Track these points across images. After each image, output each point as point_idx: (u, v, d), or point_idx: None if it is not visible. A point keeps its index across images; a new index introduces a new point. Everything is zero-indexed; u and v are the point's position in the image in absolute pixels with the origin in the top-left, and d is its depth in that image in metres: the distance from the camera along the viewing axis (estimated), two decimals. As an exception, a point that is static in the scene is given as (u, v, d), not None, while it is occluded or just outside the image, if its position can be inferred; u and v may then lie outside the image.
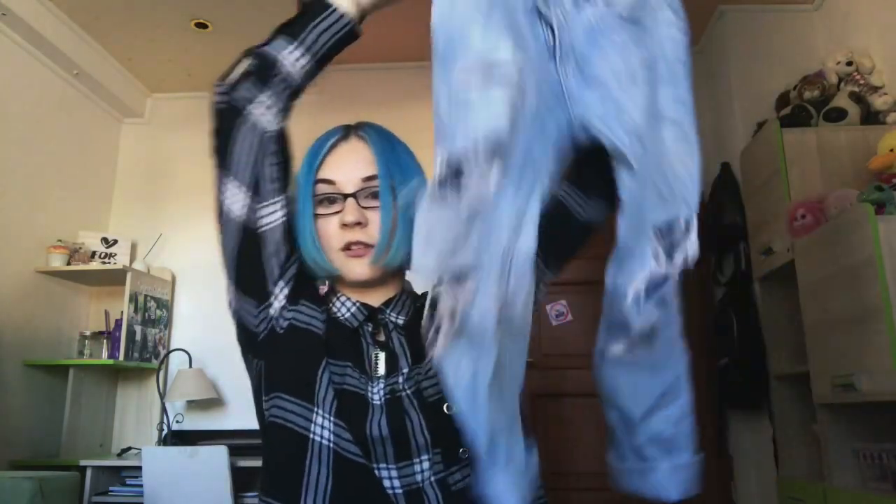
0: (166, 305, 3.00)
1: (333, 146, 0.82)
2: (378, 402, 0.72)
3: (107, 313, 2.84)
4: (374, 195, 0.79)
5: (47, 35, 2.59)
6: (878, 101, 2.22)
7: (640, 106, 0.68)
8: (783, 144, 2.16)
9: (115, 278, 2.78)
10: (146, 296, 2.85)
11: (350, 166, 0.80)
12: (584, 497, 2.44)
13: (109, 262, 2.83)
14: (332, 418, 0.70)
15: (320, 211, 0.80)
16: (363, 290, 0.83)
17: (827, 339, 1.84)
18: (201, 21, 2.67)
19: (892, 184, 1.76)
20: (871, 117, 2.21)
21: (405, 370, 0.77)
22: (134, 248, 3.05)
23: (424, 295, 0.86)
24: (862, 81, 2.28)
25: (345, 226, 0.78)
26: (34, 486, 1.67)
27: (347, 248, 0.79)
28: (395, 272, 0.83)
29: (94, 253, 2.83)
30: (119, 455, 2.66)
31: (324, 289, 0.86)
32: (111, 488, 2.51)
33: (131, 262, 2.93)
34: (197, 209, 3.10)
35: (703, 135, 3.03)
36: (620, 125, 0.68)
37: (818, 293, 1.89)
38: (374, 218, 0.78)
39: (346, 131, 0.84)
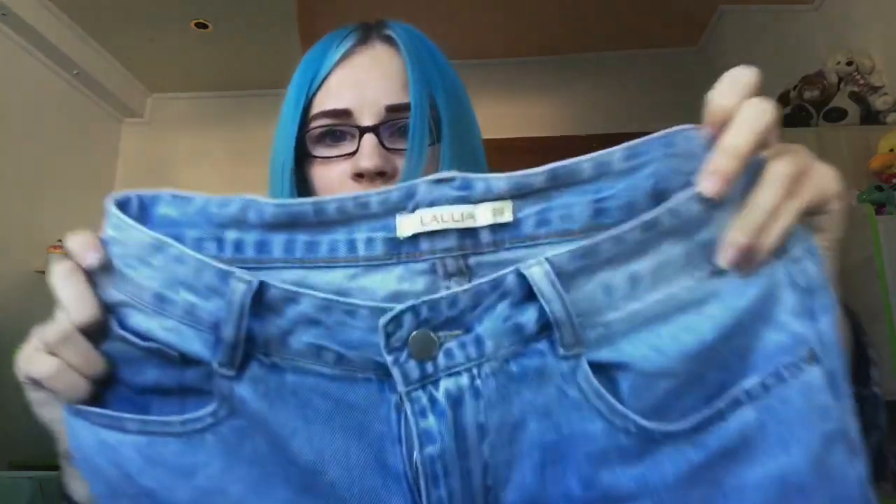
0: (166, 305, 2.99)
1: (346, 56, 0.55)
2: None
3: (107, 313, 2.84)
4: (405, 131, 0.53)
5: (47, 35, 2.58)
6: (878, 101, 2.21)
7: None
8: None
9: (115, 278, 2.77)
10: (146, 296, 2.84)
11: (371, 86, 0.53)
12: None
13: (109, 262, 2.83)
14: None
15: (320, 152, 0.54)
16: None
17: (827, 340, 1.82)
18: (201, 21, 2.67)
19: (892, 184, 1.76)
20: (871, 117, 2.21)
21: None
22: (134, 248, 3.05)
23: None
24: (862, 81, 2.28)
25: (359, 176, 0.52)
26: (34, 486, 1.67)
27: None
28: None
29: (94, 253, 2.83)
30: (119, 455, 2.66)
31: None
32: (111, 488, 2.51)
33: (131, 262, 2.93)
34: (197, 209, 3.10)
35: (703, 135, 2.98)
36: None
37: (818, 293, 1.88)
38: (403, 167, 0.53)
39: (365, 33, 0.57)
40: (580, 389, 0.33)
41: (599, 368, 0.33)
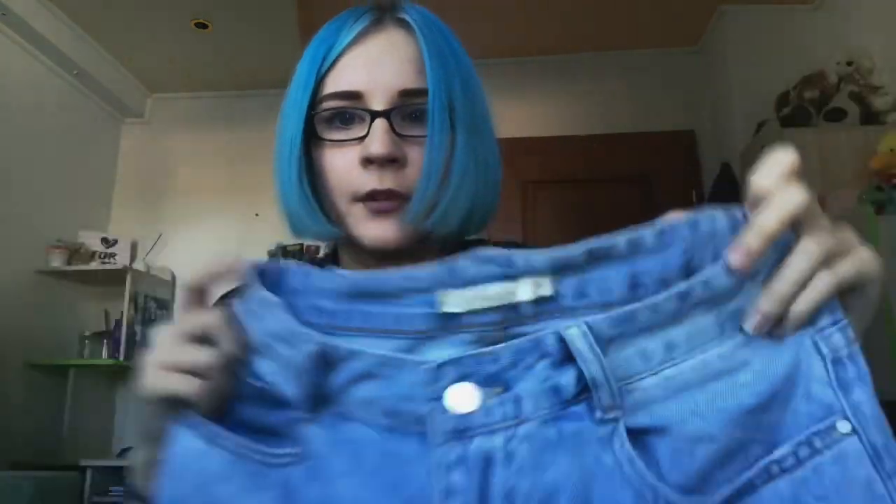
0: (166, 305, 2.99)
1: (359, 37, 0.53)
2: None
3: (107, 313, 2.83)
4: (418, 117, 0.52)
5: (47, 35, 2.58)
6: (878, 101, 2.21)
7: None
8: (783, 145, 2.16)
9: (115, 278, 2.77)
10: (146, 296, 2.84)
11: (385, 69, 0.52)
12: None
13: (109, 262, 2.82)
14: None
15: (329, 135, 0.52)
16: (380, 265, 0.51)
17: (827, 340, 1.82)
18: (201, 21, 2.67)
19: (892, 184, 1.75)
20: (871, 117, 2.21)
21: None
22: (134, 248, 3.04)
23: None
24: (862, 81, 2.28)
25: (369, 162, 0.50)
26: (34, 487, 1.67)
27: (370, 197, 0.51)
28: (438, 242, 0.54)
29: (94, 253, 2.83)
30: (119, 455, 2.66)
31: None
32: (111, 488, 2.50)
33: (131, 262, 2.92)
34: (197, 209, 3.10)
35: (704, 135, 3.02)
36: None
37: (818, 293, 1.88)
38: (416, 156, 0.51)
39: (380, 14, 0.55)
40: (615, 456, 0.32)
41: (637, 435, 0.33)
